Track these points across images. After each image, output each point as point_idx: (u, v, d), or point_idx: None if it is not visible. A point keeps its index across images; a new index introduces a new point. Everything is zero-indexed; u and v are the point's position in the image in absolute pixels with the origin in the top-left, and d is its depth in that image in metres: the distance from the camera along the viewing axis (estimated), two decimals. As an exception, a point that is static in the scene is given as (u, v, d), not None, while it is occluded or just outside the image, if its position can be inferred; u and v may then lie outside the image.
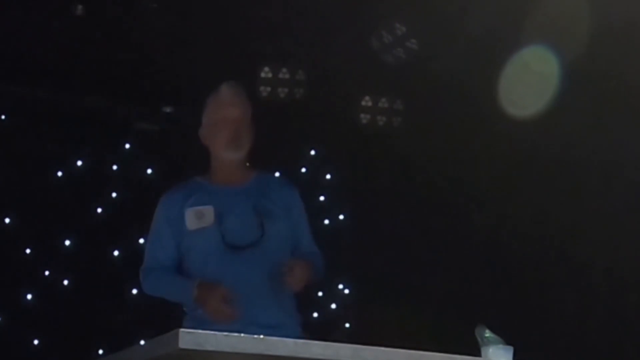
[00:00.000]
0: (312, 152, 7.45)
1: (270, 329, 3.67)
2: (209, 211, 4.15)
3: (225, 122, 4.20)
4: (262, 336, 2.77)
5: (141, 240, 7.01)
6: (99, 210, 6.95)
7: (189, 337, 2.64)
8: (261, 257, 4.10)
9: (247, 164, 4.32)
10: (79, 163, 6.97)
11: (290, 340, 2.79)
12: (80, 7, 6.06)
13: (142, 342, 5.51)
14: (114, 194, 7.01)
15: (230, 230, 4.12)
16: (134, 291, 6.88)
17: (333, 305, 7.13)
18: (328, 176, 7.42)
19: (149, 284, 4.29)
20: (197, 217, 4.16)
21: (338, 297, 7.31)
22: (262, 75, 6.79)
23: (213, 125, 4.24)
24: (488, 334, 3.21)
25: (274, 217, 4.19)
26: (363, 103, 7.20)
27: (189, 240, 4.18)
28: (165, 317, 6.73)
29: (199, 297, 4.06)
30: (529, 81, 6.01)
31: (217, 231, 4.12)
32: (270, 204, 4.21)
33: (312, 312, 6.91)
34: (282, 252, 4.16)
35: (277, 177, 4.56)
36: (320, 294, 7.12)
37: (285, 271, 4.05)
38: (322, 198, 7.39)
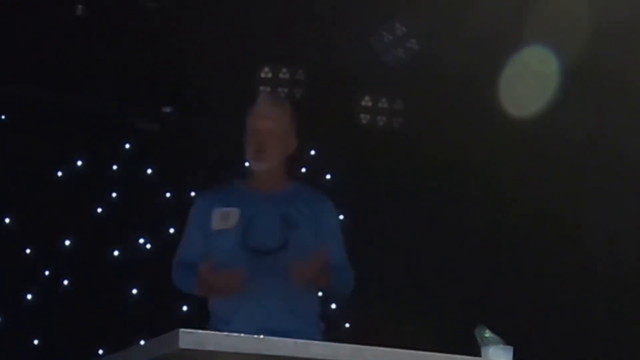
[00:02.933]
0: (312, 152, 7.45)
1: (282, 336, 3.69)
2: (234, 213, 4.21)
3: (254, 133, 4.26)
4: (262, 336, 2.77)
5: (141, 240, 7.03)
6: (99, 210, 6.95)
7: (189, 337, 2.63)
8: (281, 265, 4.13)
9: (285, 174, 4.37)
10: (79, 163, 6.96)
11: (290, 340, 2.79)
12: (80, 7, 6.06)
13: (142, 342, 5.52)
14: (114, 194, 7.01)
15: (254, 235, 4.18)
16: (134, 291, 6.88)
17: (333, 306, 7.10)
18: (328, 176, 7.41)
19: (175, 278, 4.39)
20: (222, 218, 4.23)
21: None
22: (262, 75, 6.79)
23: (247, 135, 4.29)
24: (488, 334, 3.21)
25: (299, 227, 4.22)
26: (363, 103, 7.20)
27: (213, 240, 4.25)
28: (165, 317, 6.77)
29: (202, 290, 4.20)
30: (530, 80, 6.01)
31: (239, 234, 4.18)
32: (298, 215, 4.25)
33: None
34: None
35: (311, 190, 4.53)
36: (320, 293, 7.10)
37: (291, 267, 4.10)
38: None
